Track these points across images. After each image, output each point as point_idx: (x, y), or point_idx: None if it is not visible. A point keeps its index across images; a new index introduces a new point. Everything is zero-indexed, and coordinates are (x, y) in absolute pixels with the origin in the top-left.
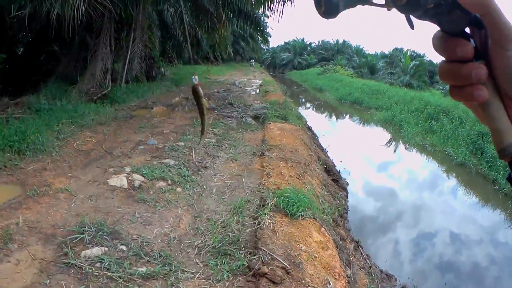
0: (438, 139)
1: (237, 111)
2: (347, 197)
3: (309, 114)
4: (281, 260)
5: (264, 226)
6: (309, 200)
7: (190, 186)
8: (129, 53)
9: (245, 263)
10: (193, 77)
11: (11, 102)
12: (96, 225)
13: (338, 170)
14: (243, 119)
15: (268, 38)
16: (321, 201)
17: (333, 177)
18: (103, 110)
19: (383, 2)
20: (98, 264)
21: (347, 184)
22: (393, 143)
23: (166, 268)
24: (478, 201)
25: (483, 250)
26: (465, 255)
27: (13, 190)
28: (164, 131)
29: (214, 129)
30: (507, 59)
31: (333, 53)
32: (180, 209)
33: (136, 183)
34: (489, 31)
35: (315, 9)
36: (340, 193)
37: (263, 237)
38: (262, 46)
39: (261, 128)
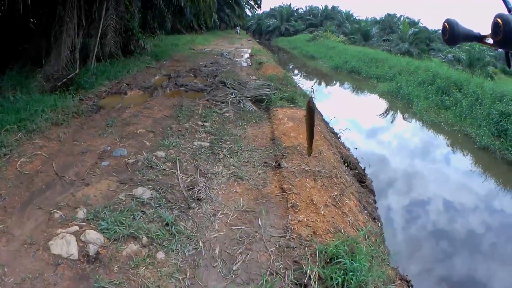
0: (453, 116)
1: (232, 93)
2: (375, 202)
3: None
4: None
5: None
6: (368, 260)
7: (177, 245)
8: (101, 26)
9: None
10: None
11: None
12: None
13: (363, 167)
14: (241, 105)
15: (259, 2)
16: (367, 236)
17: (359, 177)
18: (62, 103)
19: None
20: None
21: (371, 181)
22: (404, 119)
23: None
24: None
25: None
26: None
27: None
28: (139, 131)
29: (205, 123)
30: None
31: (321, 19)
32: None
33: (92, 250)
34: None
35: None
36: (370, 199)
37: None
38: (247, 12)
39: (266, 118)
